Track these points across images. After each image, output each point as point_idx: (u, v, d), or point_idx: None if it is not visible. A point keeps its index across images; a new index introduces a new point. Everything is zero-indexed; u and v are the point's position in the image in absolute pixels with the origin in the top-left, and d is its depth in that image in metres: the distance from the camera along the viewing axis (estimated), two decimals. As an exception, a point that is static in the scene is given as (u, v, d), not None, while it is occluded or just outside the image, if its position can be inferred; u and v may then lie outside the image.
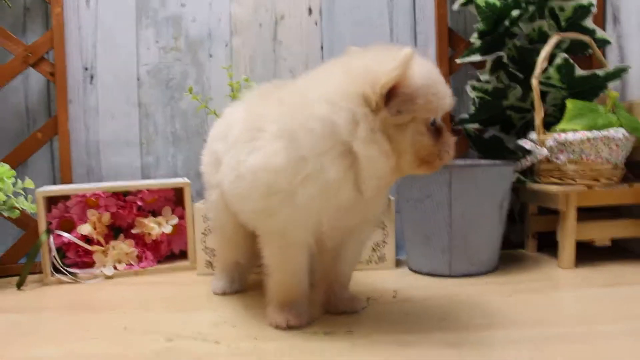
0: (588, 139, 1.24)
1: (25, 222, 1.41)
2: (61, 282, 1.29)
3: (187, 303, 1.13)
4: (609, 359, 0.78)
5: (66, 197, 1.36)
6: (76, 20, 1.51)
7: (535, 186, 1.37)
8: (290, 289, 0.95)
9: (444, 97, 0.85)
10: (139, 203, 1.39)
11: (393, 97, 0.82)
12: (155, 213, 1.42)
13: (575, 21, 1.42)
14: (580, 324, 0.94)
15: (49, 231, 1.31)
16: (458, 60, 1.48)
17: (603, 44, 1.43)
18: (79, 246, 1.34)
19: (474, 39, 1.45)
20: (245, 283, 1.19)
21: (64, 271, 1.30)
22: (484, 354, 0.81)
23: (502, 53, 1.43)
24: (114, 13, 1.52)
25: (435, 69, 0.87)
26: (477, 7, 1.40)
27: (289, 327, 0.93)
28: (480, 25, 1.43)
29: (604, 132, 1.24)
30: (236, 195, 0.96)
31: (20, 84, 1.50)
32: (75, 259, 1.35)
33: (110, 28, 1.53)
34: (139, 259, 1.38)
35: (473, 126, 1.51)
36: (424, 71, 0.84)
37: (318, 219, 0.89)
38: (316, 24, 1.58)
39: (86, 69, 1.52)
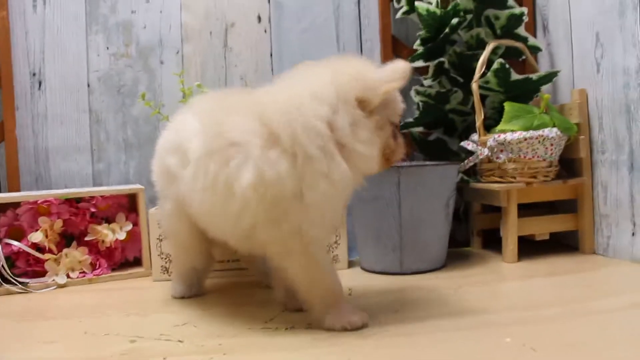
0: (525, 139, 1.33)
1: (-28, 232, 1.38)
2: (10, 293, 1.26)
3: (146, 307, 1.14)
4: (551, 338, 0.84)
5: (16, 205, 1.34)
6: (22, 25, 1.50)
7: (478, 185, 1.45)
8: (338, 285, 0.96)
9: (401, 102, 0.96)
10: (92, 210, 1.38)
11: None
12: (108, 220, 1.42)
13: (509, 29, 1.51)
14: (524, 309, 1.01)
15: (-2, 240, 1.29)
16: (403, 66, 1.54)
17: (535, 50, 1.53)
18: (29, 255, 1.32)
19: (417, 45, 1.52)
20: (203, 287, 1.21)
21: (14, 281, 1.28)
22: (436, 339, 0.87)
23: (443, 59, 1.51)
24: (62, 18, 1.52)
25: None
26: (420, 15, 1.48)
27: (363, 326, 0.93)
28: (422, 33, 1.50)
29: (539, 132, 1.32)
30: (222, 215, 0.93)
31: (-36, 91, 1.47)
32: (26, 268, 1.33)
33: (59, 33, 1.52)
34: (93, 266, 1.37)
35: (418, 129, 1.58)
36: None
37: (333, 216, 0.93)
38: (265, 31, 1.61)
39: (34, 74, 1.50)
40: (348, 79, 0.89)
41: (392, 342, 0.86)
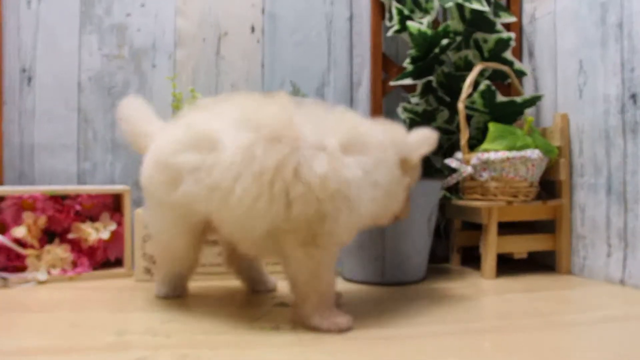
0: (508, 158, 1.37)
1: (-48, 224, 1.36)
2: (-10, 286, 1.26)
3: (131, 305, 1.14)
4: (527, 345, 0.87)
5: (0, 199, 1.33)
6: (16, 20, 1.50)
7: (460, 202, 1.48)
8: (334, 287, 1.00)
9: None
10: (77, 208, 1.37)
11: None
12: (93, 219, 1.41)
13: (496, 53, 1.57)
14: (501, 319, 1.03)
15: (-20, 233, 1.27)
16: (392, 83, 1.58)
17: (520, 74, 1.59)
18: (9, 250, 1.31)
19: (407, 63, 1.56)
20: (187, 288, 1.21)
21: (-6, 275, 1.26)
22: (417, 343, 0.88)
23: (431, 78, 1.55)
24: (57, 16, 1.52)
25: None
26: (411, 34, 1.52)
27: (348, 329, 0.95)
28: (413, 52, 1.54)
29: (522, 153, 1.37)
30: (263, 207, 0.90)
31: (-48, 83, 1.46)
32: (6, 263, 1.31)
33: (53, 31, 1.52)
34: (74, 264, 1.36)
35: (404, 145, 1.61)
36: None
37: (371, 221, 1.00)
38: (258, 41, 1.64)
39: (24, 70, 1.50)
40: (397, 141, 1.01)
41: (376, 344, 0.88)
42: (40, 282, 1.30)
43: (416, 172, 1.10)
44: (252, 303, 1.14)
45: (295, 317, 0.98)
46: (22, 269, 1.32)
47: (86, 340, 0.89)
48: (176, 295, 1.18)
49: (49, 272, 1.32)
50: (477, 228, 1.49)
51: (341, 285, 1.33)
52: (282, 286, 1.22)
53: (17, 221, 1.32)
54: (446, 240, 1.63)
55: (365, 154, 0.94)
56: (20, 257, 1.31)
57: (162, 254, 1.17)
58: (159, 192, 1.02)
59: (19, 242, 1.32)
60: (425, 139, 1.04)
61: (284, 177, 0.89)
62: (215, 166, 0.92)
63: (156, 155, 1.03)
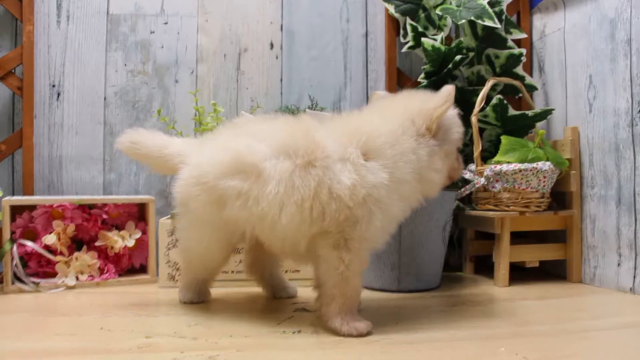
0: (520, 170, 1.41)
1: (-15, 232, 1.42)
2: (22, 291, 1.31)
3: (157, 309, 1.18)
4: (542, 350, 0.90)
5: (31, 208, 1.39)
6: (46, 39, 1.57)
7: (474, 212, 1.52)
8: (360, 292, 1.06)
9: (460, 126, 1.11)
10: (104, 216, 1.43)
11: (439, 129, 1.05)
12: (118, 227, 1.47)
13: (508, 68, 1.61)
14: (516, 325, 1.07)
15: (12, 240, 1.33)
16: (406, 97, 1.63)
17: (531, 89, 1.63)
18: (41, 256, 1.36)
19: (422, 78, 1.60)
20: (210, 294, 1.26)
21: (25, 281, 1.32)
22: (436, 347, 0.92)
23: (445, 92, 1.60)
24: (84, 35, 1.59)
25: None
26: (425, 50, 1.57)
27: (368, 334, 1.00)
28: (427, 67, 1.59)
29: (534, 165, 1.41)
30: (303, 221, 0.97)
31: (-15, 97, 1.53)
32: (37, 269, 1.37)
33: (80, 49, 1.59)
34: (101, 271, 1.42)
35: (418, 157, 1.66)
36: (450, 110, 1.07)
37: (391, 230, 1.05)
38: (277, 57, 1.69)
39: (53, 86, 1.57)
40: (417, 112, 1.03)
41: (397, 348, 0.92)
42: (69, 288, 1.35)
43: (457, 130, 1.09)
44: (274, 308, 1.18)
45: (318, 316, 1.04)
46: (52, 274, 1.37)
47: (117, 342, 0.94)
48: (200, 300, 1.23)
49: (77, 278, 1.37)
50: (489, 238, 1.52)
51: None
52: (302, 292, 1.27)
53: (48, 229, 1.38)
54: (459, 249, 1.67)
55: (382, 155, 0.98)
56: (50, 264, 1.37)
57: (194, 263, 1.20)
58: (202, 210, 1.07)
59: (49, 249, 1.37)
60: (443, 96, 1.03)
61: (321, 200, 0.96)
62: (262, 196, 0.98)
63: (199, 175, 1.06)
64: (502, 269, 1.43)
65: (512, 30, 1.63)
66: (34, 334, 0.99)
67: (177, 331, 1.00)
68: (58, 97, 1.57)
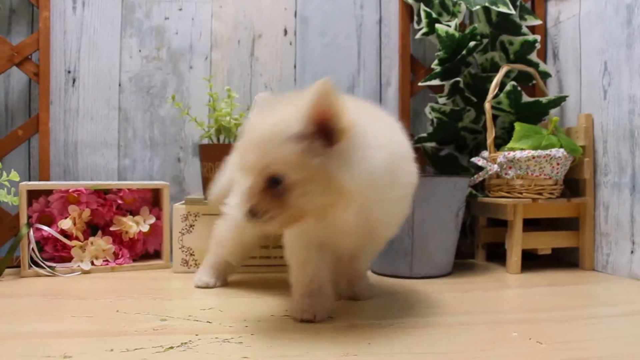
0: (533, 157, 1.40)
1: (1, 216, 1.44)
2: (38, 275, 1.33)
3: (171, 294, 1.21)
4: (554, 335, 0.91)
5: (47, 193, 1.41)
6: (62, 25, 1.58)
7: (486, 199, 1.52)
8: None
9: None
10: (119, 202, 1.45)
11: None
12: (133, 212, 1.48)
13: (522, 55, 1.61)
14: (528, 311, 1.08)
15: (29, 224, 1.35)
16: (420, 84, 1.63)
17: (545, 76, 1.62)
18: (57, 241, 1.38)
19: (435, 65, 1.60)
20: (226, 281, 1.28)
21: (42, 264, 1.34)
22: (450, 332, 0.93)
23: (459, 79, 1.59)
24: (99, 21, 1.60)
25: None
26: (439, 36, 1.56)
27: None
28: (441, 54, 1.58)
29: (547, 152, 1.40)
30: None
31: (1, 83, 1.54)
32: (53, 253, 1.39)
33: (95, 35, 1.60)
34: (116, 256, 1.43)
35: (430, 144, 1.66)
36: None
37: None
38: (290, 43, 1.69)
39: (69, 71, 1.58)
40: None
41: (410, 332, 0.93)
42: (85, 272, 1.37)
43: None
44: (285, 294, 1.18)
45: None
46: (68, 259, 1.39)
47: (132, 325, 0.95)
48: (216, 285, 1.24)
49: (92, 263, 1.39)
50: (501, 225, 1.52)
51: (371, 278, 1.38)
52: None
53: (63, 214, 1.40)
54: (471, 236, 1.67)
55: None
56: (66, 248, 1.39)
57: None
58: None
59: (65, 233, 1.39)
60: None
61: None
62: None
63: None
64: (514, 256, 1.43)
65: (526, 16, 1.62)
66: (51, 316, 1.01)
67: (192, 314, 1.01)
68: (74, 82, 1.59)
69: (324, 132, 0.82)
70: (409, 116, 1.69)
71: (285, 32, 1.69)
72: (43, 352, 0.80)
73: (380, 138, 0.90)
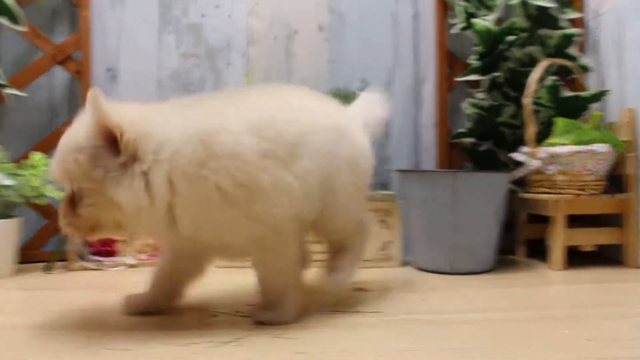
0: (576, 152, 1.39)
1: (49, 211, 1.47)
2: (85, 269, 1.36)
3: (217, 288, 1.21)
4: (603, 332, 0.90)
5: (92, 189, 1.43)
6: (101, 23, 1.60)
7: (527, 195, 1.51)
8: None
9: None
10: (161, 197, 1.46)
11: None
12: (174, 208, 1.50)
13: (560, 48, 1.59)
14: (574, 307, 1.07)
15: (75, 220, 1.37)
16: (458, 79, 1.62)
17: (585, 69, 1.60)
18: (101, 236, 1.41)
19: (473, 59, 1.59)
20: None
21: (88, 259, 1.36)
22: (497, 328, 0.93)
23: (497, 74, 1.58)
24: (138, 19, 1.62)
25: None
26: (476, 31, 1.55)
27: None
28: (478, 48, 1.57)
29: (590, 147, 1.39)
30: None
31: (45, 81, 1.57)
32: (99, 248, 1.42)
33: (134, 32, 1.62)
34: (159, 251, 1.45)
35: (469, 140, 1.65)
36: None
37: None
38: (325, 39, 1.70)
39: (109, 69, 1.60)
40: None
41: (454, 327, 0.93)
42: (130, 266, 1.39)
43: None
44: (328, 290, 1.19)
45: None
46: (112, 254, 1.42)
47: (182, 319, 0.97)
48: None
49: (137, 257, 1.42)
50: (542, 221, 1.51)
51: (413, 274, 1.38)
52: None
53: (108, 210, 1.42)
54: (511, 233, 1.66)
55: None
56: (112, 243, 1.41)
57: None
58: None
59: (109, 229, 1.41)
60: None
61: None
62: None
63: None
64: (556, 252, 1.41)
65: (565, 9, 1.60)
66: (101, 308, 1.03)
67: (240, 310, 1.02)
68: (114, 80, 1.61)
69: (112, 143, 0.82)
70: (446, 111, 1.68)
71: (321, 28, 1.69)
72: (103, 345, 0.82)
73: (166, 149, 0.84)
